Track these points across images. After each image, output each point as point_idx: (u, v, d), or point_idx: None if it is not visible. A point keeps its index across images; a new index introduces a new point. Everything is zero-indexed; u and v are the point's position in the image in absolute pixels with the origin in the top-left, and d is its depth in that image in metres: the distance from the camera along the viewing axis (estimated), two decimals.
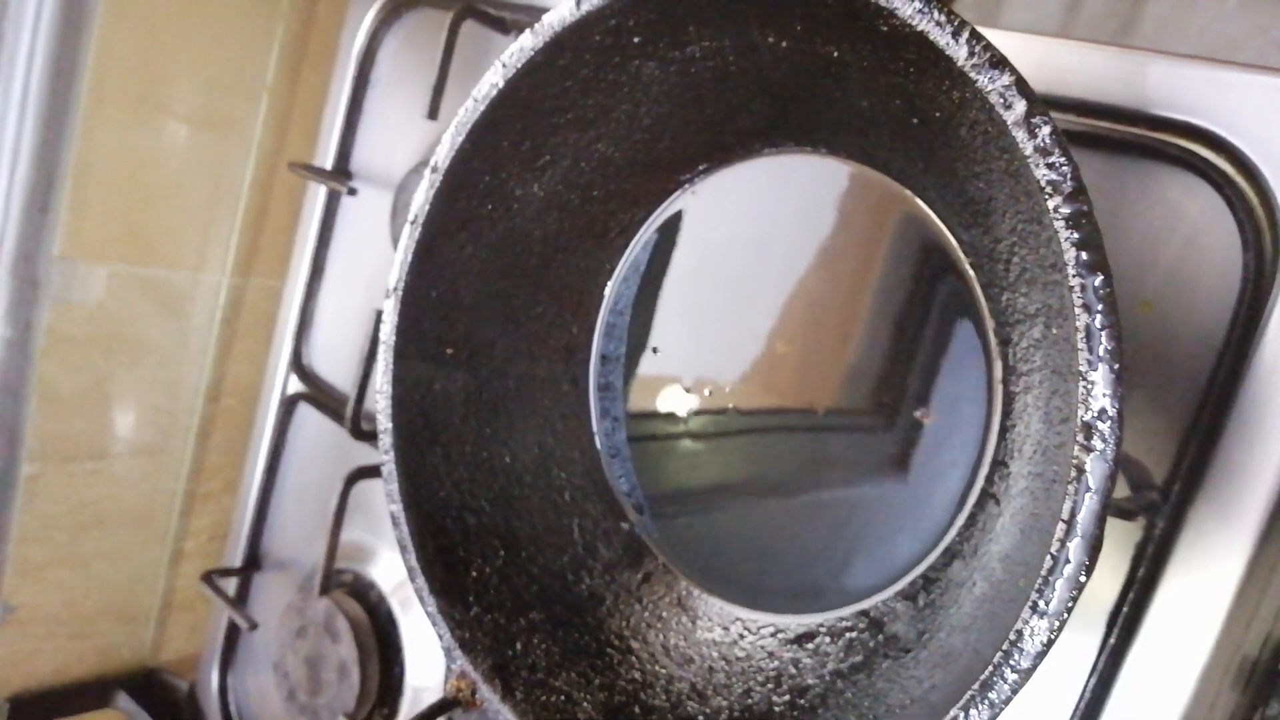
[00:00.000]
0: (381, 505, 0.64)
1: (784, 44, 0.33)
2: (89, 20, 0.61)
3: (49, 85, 0.61)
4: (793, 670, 0.36)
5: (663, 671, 0.38)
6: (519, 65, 0.36)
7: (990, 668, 0.25)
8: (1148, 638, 0.35)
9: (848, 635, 0.36)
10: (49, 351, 0.65)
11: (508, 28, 0.57)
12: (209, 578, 0.68)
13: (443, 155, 0.38)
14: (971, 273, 0.34)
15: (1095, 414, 0.24)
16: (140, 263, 0.68)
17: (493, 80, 0.37)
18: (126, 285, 0.68)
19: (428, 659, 0.60)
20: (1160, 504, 0.35)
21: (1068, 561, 0.24)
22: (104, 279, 0.67)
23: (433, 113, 0.55)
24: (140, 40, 0.63)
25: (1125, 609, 0.36)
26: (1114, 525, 0.35)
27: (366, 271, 0.66)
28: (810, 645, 0.36)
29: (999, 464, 0.33)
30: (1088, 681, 0.36)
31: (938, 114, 0.30)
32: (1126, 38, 0.48)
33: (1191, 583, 0.35)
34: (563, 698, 0.36)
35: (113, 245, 0.67)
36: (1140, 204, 0.37)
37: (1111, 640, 0.36)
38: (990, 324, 0.33)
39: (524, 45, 0.36)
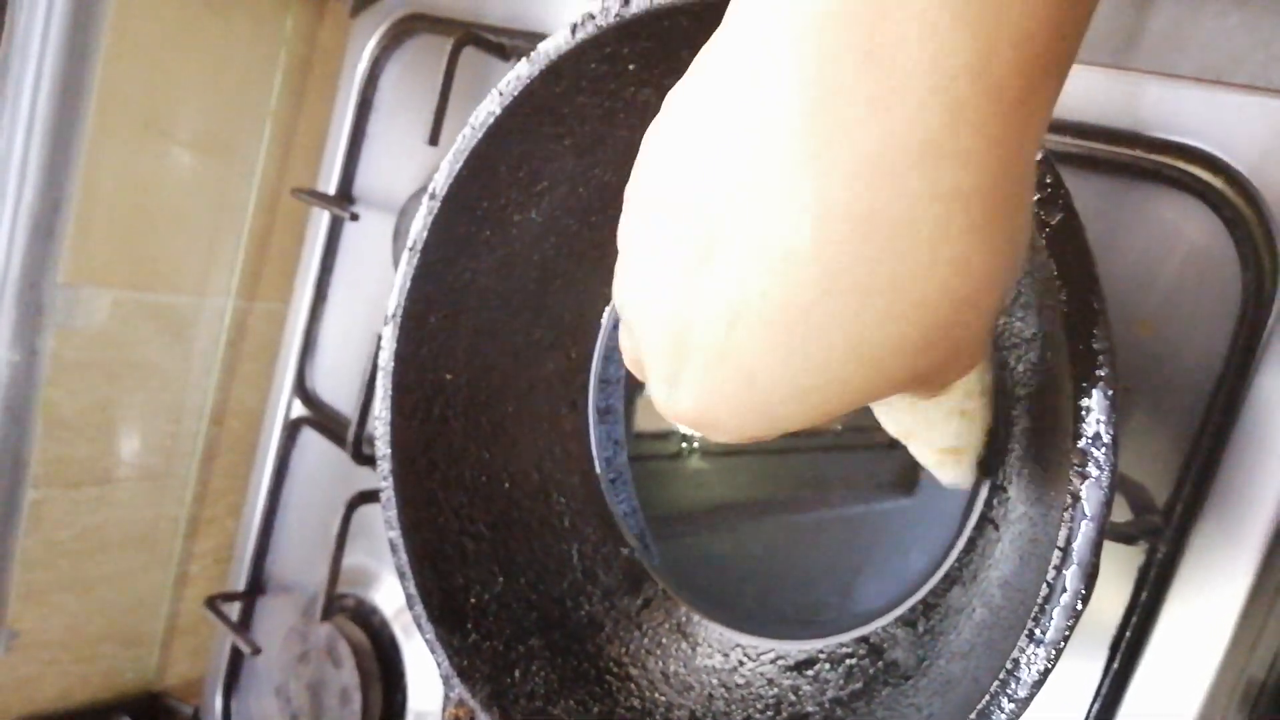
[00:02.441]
0: (384, 529, 0.64)
1: None
2: (94, 47, 0.62)
3: (54, 112, 0.61)
4: (792, 697, 0.36)
5: (662, 699, 0.38)
6: (516, 93, 0.36)
7: (987, 697, 0.24)
8: (1151, 662, 0.35)
9: (848, 662, 0.35)
10: (54, 377, 0.66)
11: (507, 54, 0.58)
12: (212, 603, 0.68)
13: (441, 182, 0.38)
14: None
15: (1090, 440, 0.24)
16: (144, 288, 0.69)
17: (490, 108, 0.37)
18: (131, 310, 0.68)
19: (430, 684, 0.60)
20: (1162, 528, 0.35)
21: (1064, 590, 0.24)
22: (108, 304, 0.67)
23: (433, 138, 0.55)
24: (145, 67, 0.64)
25: (1128, 634, 0.35)
26: (1116, 549, 0.35)
27: (369, 296, 0.66)
28: (810, 672, 0.36)
29: (998, 489, 0.32)
30: (1091, 707, 0.36)
31: None
32: (1127, 55, 0.48)
33: (1195, 606, 0.34)
34: None
35: (117, 270, 0.67)
36: (1138, 225, 0.37)
37: (1115, 665, 0.35)
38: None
39: (520, 73, 0.36)
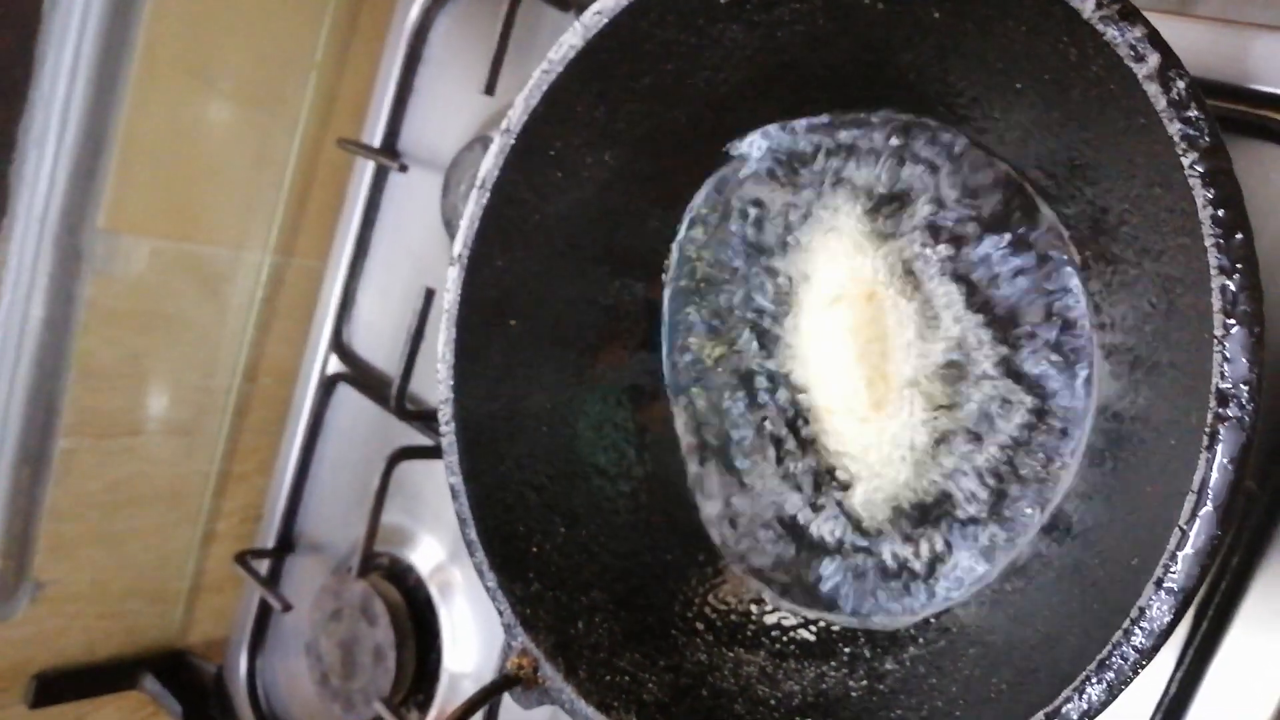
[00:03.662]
0: (421, 488, 0.63)
1: (880, 5, 0.32)
2: None
3: (99, 58, 0.60)
4: (868, 654, 0.35)
5: (730, 655, 0.37)
6: (600, 26, 0.35)
7: (1109, 646, 0.23)
8: (1239, 632, 0.34)
9: (931, 623, 0.34)
10: (89, 324, 0.65)
11: (568, 4, 0.56)
12: (242, 558, 0.67)
13: (515, 118, 0.37)
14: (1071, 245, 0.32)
15: (1231, 379, 0.22)
16: (183, 238, 0.68)
17: (571, 41, 0.36)
18: (168, 260, 0.67)
19: (466, 645, 0.59)
20: (1258, 494, 0.34)
21: (1198, 534, 0.23)
22: (147, 253, 0.66)
23: (489, 88, 0.54)
24: (191, 15, 0.63)
25: (1216, 599, 0.34)
26: None
27: (412, 251, 0.65)
28: (888, 632, 0.35)
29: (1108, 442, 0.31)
30: (1174, 675, 0.35)
31: (1047, 76, 0.29)
32: (1188, 8, 0.46)
33: None
34: (627, 678, 0.35)
35: (156, 219, 0.66)
36: (1240, 183, 0.36)
37: (1201, 631, 0.34)
38: (1092, 297, 0.32)
39: (605, 6, 0.35)
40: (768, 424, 0.40)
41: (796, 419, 0.39)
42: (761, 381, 0.40)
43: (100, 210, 0.63)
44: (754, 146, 0.39)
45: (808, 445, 0.39)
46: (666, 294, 0.42)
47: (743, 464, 0.40)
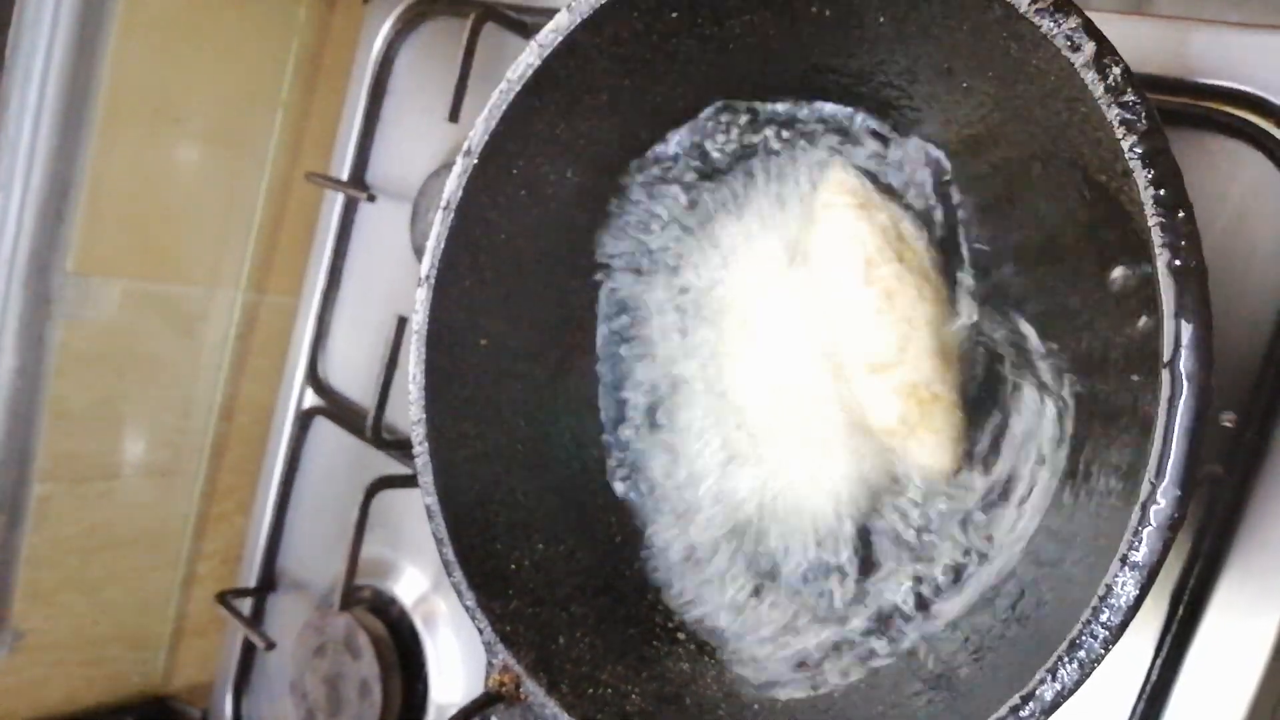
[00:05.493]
0: (401, 518, 0.63)
1: (828, 13, 0.33)
2: (104, 33, 0.61)
3: (64, 98, 0.60)
4: (857, 640, 0.35)
5: (712, 663, 0.37)
6: (555, 45, 0.36)
7: (1079, 625, 0.24)
8: (1215, 616, 0.34)
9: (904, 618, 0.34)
10: (62, 368, 0.64)
11: (528, 31, 0.57)
12: (224, 598, 0.67)
13: (476, 139, 0.38)
14: None
15: (1184, 355, 0.23)
16: (154, 279, 0.68)
17: (529, 61, 0.36)
18: (140, 301, 0.67)
19: (452, 675, 0.58)
20: (1223, 477, 0.34)
21: (1159, 510, 0.23)
22: (118, 295, 0.66)
23: (454, 115, 0.55)
24: (156, 55, 0.63)
25: (1191, 585, 0.34)
26: None
27: (384, 282, 0.65)
28: (876, 625, 0.35)
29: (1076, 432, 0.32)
30: (1153, 662, 0.35)
31: (991, 74, 0.30)
32: (1145, 7, 0.47)
33: (1260, 557, 0.34)
34: (610, 690, 0.35)
35: (126, 261, 0.66)
36: (1188, 174, 0.36)
37: (1178, 618, 0.35)
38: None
39: (560, 24, 0.36)
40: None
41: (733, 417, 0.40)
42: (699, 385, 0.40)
43: (69, 253, 0.63)
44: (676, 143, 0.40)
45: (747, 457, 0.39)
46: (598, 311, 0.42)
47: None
